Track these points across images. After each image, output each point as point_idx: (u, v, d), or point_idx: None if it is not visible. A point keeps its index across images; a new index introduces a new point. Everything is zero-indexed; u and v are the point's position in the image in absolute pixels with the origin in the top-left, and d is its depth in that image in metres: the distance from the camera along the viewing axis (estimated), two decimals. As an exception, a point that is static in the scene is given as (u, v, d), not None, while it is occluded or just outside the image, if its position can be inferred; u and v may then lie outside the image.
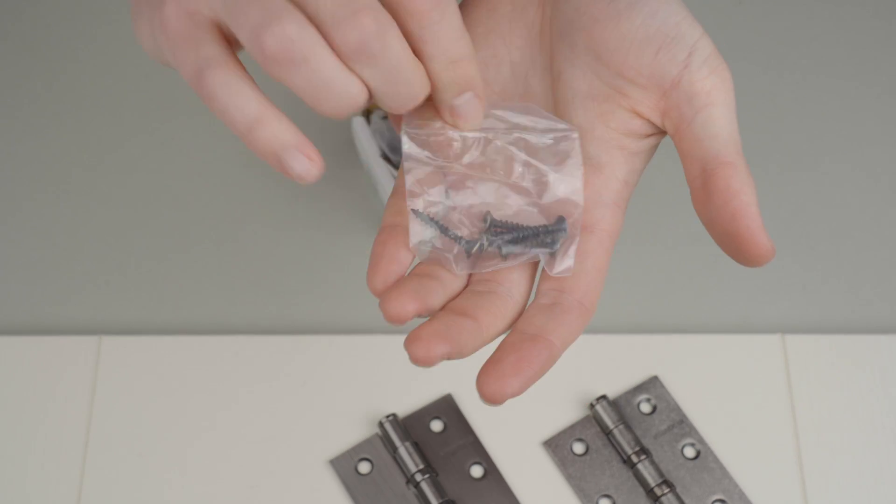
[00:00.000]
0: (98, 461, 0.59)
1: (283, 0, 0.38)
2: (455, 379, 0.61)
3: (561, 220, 0.42)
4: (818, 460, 0.59)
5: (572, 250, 0.42)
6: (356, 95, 0.39)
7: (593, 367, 0.62)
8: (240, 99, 0.39)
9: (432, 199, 0.42)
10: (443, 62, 0.40)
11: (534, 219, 0.42)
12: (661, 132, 0.44)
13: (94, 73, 0.72)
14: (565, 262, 0.42)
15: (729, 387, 0.61)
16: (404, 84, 0.39)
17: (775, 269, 0.66)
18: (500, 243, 0.42)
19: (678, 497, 0.57)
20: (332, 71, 0.38)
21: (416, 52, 0.39)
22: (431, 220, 0.42)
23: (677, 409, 0.61)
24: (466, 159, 0.42)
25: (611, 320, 0.64)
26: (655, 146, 0.45)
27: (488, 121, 0.43)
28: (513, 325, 0.42)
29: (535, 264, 0.43)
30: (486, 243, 0.42)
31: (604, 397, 0.59)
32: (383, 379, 0.61)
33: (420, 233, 0.42)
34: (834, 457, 0.59)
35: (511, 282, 0.43)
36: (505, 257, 0.42)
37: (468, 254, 0.42)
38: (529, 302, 0.43)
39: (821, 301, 0.65)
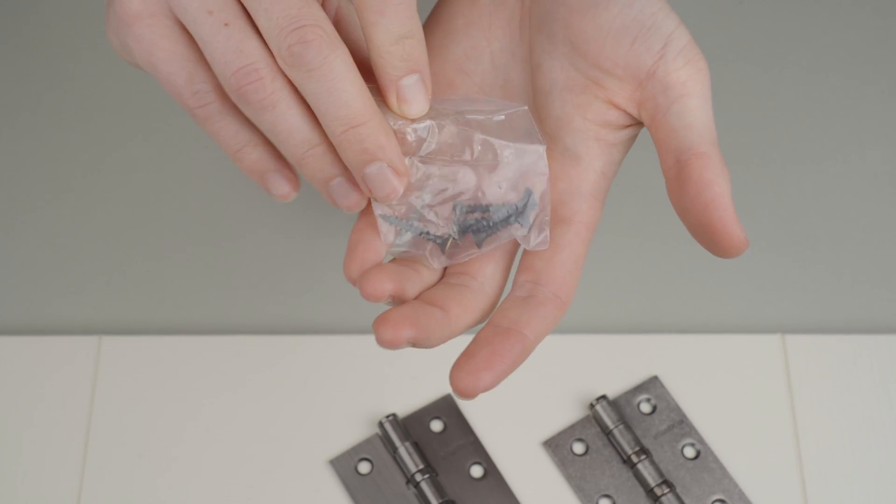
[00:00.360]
0: (98, 461, 0.59)
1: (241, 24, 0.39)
2: (455, 379, 0.61)
3: (527, 192, 0.42)
4: (818, 460, 0.59)
5: (546, 221, 0.42)
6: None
7: (593, 367, 0.62)
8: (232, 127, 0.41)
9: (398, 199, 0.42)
10: (394, 35, 0.39)
11: (502, 196, 0.42)
12: (639, 123, 0.44)
13: (95, 73, 0.72)
14: (541, 235, 0.42)
15: (729, 387, 0.61)
16: (343, 105, 0.39)
17: (775, 269, 0.66)
18: (470, 233, 0.42)
19: (678, 497, 0.57)
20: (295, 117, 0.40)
21: (369, 33, 0.39)
22: (400, 221, 0.42)
23: (677, 409, 0.61)
24: (423, 150, 0.42)
25: (611, 320, 0.64)
26: (633, 137, 0.45)
27: (434, 111, 0.42)
28: (485, 318, 0.42)
29: (511, 257, 0.43)
30: (456, 236, 0.42)
31: (604, 397, 0.59)
32: (383, 379, 0.61)
33: (391, 234, 0.42)
34: (834, 457, 0.59)
35: (485, 276, 0.43)
36: (480, 244, 0.42)
37: (441, 249, 0.42)
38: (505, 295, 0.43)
39: (821, 301, 0.65)
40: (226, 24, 0.39)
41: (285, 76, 0.40)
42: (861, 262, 0.66)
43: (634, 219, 0.67)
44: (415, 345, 0.40)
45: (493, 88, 0.45)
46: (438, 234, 0.42)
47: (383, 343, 0.40)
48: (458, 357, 0.41)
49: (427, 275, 0.43)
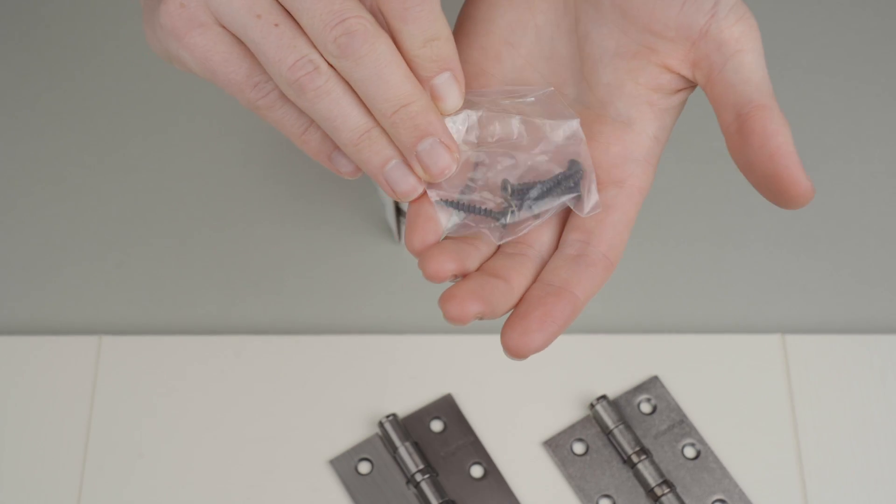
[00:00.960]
0: (98, 461, 0.59)
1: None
2: (455, 379, 0.61)
3: (573, 162, 0.43)
4: (818, 460, 0.59)
5: (594, 187, 0.43)
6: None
7: (593, 367, 0.62)
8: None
9: (451, 184, 0.43)
10: (420, 40, 0.41)
11: (547, 171, 0.43)
12: (691, 86, 0.44)
13: (95, 73, 0.72)
14: (592, 200, 0.43)
15: (729, 387, 0.61)
16: (392, 87, 0.41)
17: (775, 269, 0.66)
18: (528, 204, 0.43)
19: (678, 497, 0.57)
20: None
21: (396, 39, 0.41)
22: (456, 204, 0.43)
23: (677, 409, 0.61)
24: (466, 138, 0.43)
25: (611, 320, 0.64)
26: (684, 102, 0.45)
27: (468, 102, 0.44)
28: None
29: (562, 222, 0.44)
30: (514, 209, 0.43)
31: (604, 397, 0.59)
32: (383, 379, 0.61)
33: (448, 219, 0.43)
34: (834, 457, 0.59)
35: (542, 244, 0.44)
36: (537, 215, 0.43)
37: (502, 224, 0.43)
38: None
39: (821, 301, 0.65)
40: (275, 25, 0.41)
41: (334, 68, 0.41)
42: (861, 262, 0.66)
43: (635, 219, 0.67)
44: (482, 317, 0.41)
45: (539, 60, 0.46)
46: (495, 210, 0.43)
47: (451, 318, 0.41)
48: (509, 317, 0.41)
49: (485, 248, 0.43)
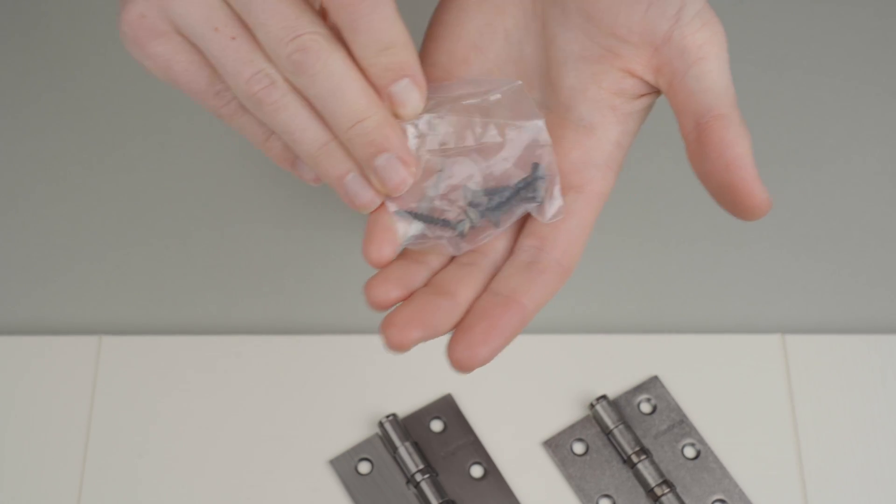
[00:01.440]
0: (98, 461, 0.59)
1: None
2: (455, 379, 0.61)
3: (535, 167, 0.42)
4: (818, 460, 0.59)
5: (557, 191, 0.42)
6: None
7: (593, 367, 0.62)
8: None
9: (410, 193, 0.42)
10: (374, 49, 0.40)
11: (511, 175, 0.42)
12: (655, 91, 0.44)
13: (95, 73, 0.72)
14: (555, 205, 0.42)
15: (729, 387, 0.61)
16: (346, 103, 0.40)
17: (775, 269, 0.66)
18: (487, 214, 0.42)
19: (678, 497, 0.57)
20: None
21: (351, 50, 0.40)
22: (415, 215, 0.42)
23: (677, 409, 0.61)
24: (427, 145, 0.42)
25: (611, 320, 0.64)
26: (649, 107, 0.45)
27: (432, 101, 0.43)
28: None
29: (519, 228, 0.43)
30: (473, 219, 0.42)
31: (604, 397, 0.59)
32: (383, 379, 0.61)
33: (407, 230, 0.42)
34: (834, 457, 0.59)
35: (496, 250, 0.43)
36: (497, 224, 0.42)
37: (460, 234, 0.42)
38: None
39: (821, 301, 0.65)
40: (233, 38, 0.41)
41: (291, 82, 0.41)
42: (861, 262, 0.66)
43: (634, 219, 0.67)
44: (424, 341, 0.41)
45: (508, 64, 0.46)
46: (454, 220, 0.42)
47: (392, 346, 0.41)
48: (455, 330, 0.41)
49: (436, 262, 0.43)
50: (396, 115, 0.42)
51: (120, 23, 0.42)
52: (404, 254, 0.43)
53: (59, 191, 0.68)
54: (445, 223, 0.42)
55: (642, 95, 0.44)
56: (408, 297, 0.42)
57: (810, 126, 0.70)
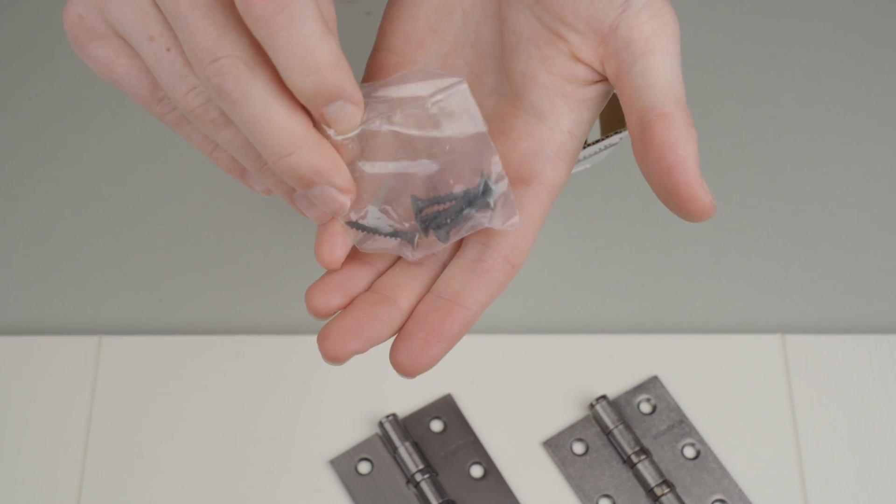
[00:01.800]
0: (98, 461, 0.59)
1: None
2: (455, 379, 0.61)
3: (482, 177, 0.40)
4: (818, 460, 0.59)
5: (511, 200, 0.40)
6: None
7: (593, 367, 0.62)
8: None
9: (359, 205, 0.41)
10: (298, 73, 0.37)
11: (455, 186, 0.41)
12: (607, 79, 0.42)
13: (94, 73, 0.72)
14: (509, 216, 0.40)
15: (729, 387, 0.61)
16: (269, 135, 0.37)
17: (775, 269, 0.66)
18: (432, 228, 0.41)
19: (678, 497, 0.57)
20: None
21: (274, 63, 0.37)
22: (363, 227, 0.41)
23: (677, 409, 0.61)
24: (368, 156, 0.40)
25: (611, 320, 0.64)
26: (604, 95, 0.43)
27: (371, 110, 0.40)
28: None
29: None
30: (421, 231, 0.41)
31: (604, 397, 0.59)
32: (383, 379, 0.61)
33: (356, 237, 0.41)
34: (834, 457, 0.59)
35: (446, 251, 0.42)
36: (444, 239, 0.41)
37: (411, 243, 0.41)
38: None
39: (821, 301, 0.65)
40: (167, 50, 0.38)
41: None
42: (861, 262, 0.66)
43: (634, 219, 0.67)
44: (361, 353, 0.40)
45: (465, 45, 0.44)
46: (403, 230, 0.41)
47: (329, 358, 0.40)
48: (397, 335, 0.40)
49: (382, 262, 0.42)
50: (332, 133, 0.39)
51: (63, 22, 0.41)
52: (351, 254, 0.42)
53: (59, 191, 0.68)
54: (395, 234, 0.41)
55: (595, 82, 0.42)
56: (348, 305, 0.41)
57: (810, 125, 0.70)
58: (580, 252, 0.66)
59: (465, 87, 0.40)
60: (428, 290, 0.41)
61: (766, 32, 0.74)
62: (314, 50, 0.36)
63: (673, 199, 0.39)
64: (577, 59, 0.42)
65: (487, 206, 0.40)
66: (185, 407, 0.61)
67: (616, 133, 0.53)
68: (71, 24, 0.40)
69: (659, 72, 0.40)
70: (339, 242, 0.41)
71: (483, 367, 0.62)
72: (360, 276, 0.42)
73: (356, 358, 0.62)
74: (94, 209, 0.68)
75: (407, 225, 0.41)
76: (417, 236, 0.41)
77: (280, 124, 0.37)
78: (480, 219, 0.40)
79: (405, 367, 0.40)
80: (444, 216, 0.40)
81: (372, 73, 0.44)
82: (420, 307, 0.40)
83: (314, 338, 0.62)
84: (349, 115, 0.38)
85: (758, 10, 0.75)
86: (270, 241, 0.67)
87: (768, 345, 0.62)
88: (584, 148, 0.52)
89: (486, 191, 0.40)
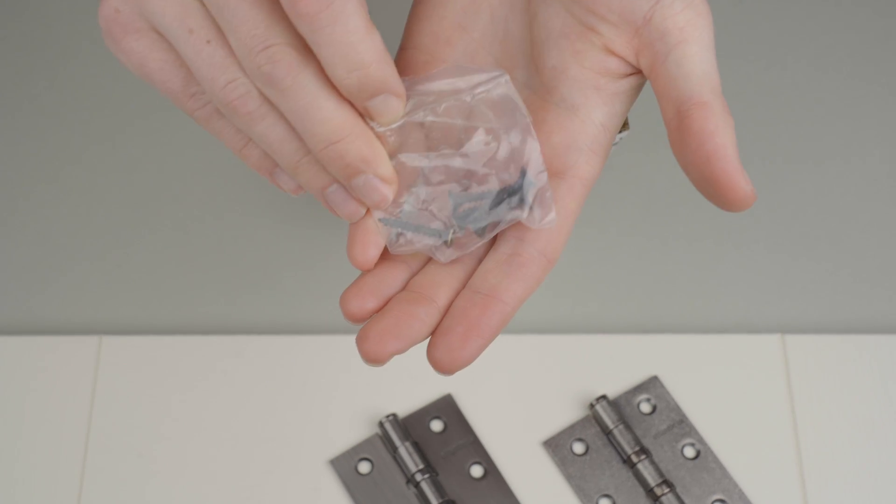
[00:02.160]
0: (98, 461, 0.59)
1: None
2: (455, 379, 0.61)
3: (523, 172, 0.40)
4: (818, 460, 0.59)
5: (549, 197, 0.40)
6: None
7: (593, 367, 0.62)
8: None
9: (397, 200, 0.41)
10: (343, 69, 0.38)
11: (496, 179, 0.41)
12: (640, 71, 0.42)
13: (94, 73, 0.72)
14: (546, 213, 0.40)
15: (729, 387, 0.61)
16: (318, 123, 0.38)
17: (775, 269, 0.66)
18: (470, 223, 0.41)
19: (678, 497, 0.57)
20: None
21: (319, 58, 0.38)
22: (400, 223, 0.41)
23: (677, 409, 0.61)
24: (408, 149, 0.41)
25: (611, 320, 0.64)
26: (638, 87, 0.43)
27: (413, 100, 0.41)
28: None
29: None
30: (457, 229, 0.41)
31: (604, 397, 0.59)
32: (383, 379, 0.61)
33: (391, 235, 0.41)
34: (834, 457, 0.59)
35: (481, 247, 0.42)
36: (482, 234, 0.41)
37: (446, 243, 0.41)
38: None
39: (821, 301, 0.65)
40: (207, 42, 0.39)
41: None
42: (861, 262, 0.66)
43: (634, 219, 0.67)
44: (400, 353, 0.40)
45: (493, 43, 0.44)
46: (439, 227, 0.41)
47: (369, 360, 0.40)
48: (434, 332, 0.40)
49: (415, 263, 0.42)
50: (375, 125, 0.40)
51: (99, 16, 0.41)
52: (383, 254, 0.42)
53: (59, 191, 0.68)
54: (431, 232, 0.41)
55: (628, 75, 0.42)
56: (384, 306, 0.40)
57: (811, 126, 0.70)
58: (580, 252, 0.66)
59: (506, 78, 0.40)
60: (464, 286, 0.41)
61: (766, 32, 0.74)
62: (358, 46, 0.37)
63: (712, 188, 0.39)
64: (611, 52, 0.41)
65: (523, 202, 0.40)
66: (185, 407, 0.61)
67: (616, 133, 0.53)
68: (107, 17, 0.40)
69: (695, 61, 0.40)
70: (373, 242, 0.41)
71: (483, 367, 0.62)
72: (394, 277, 0.41)
73: (356, 358, 0.62)
74: (94, 209, 0.68)
75: (444, 221, 0.41)
76: (452, 232, 0.41)
77: (330, 111, 0.38)
78: (518, 214, 0.40)
79: (444, 364, 0.39)
80: (482, 211, 0.40)
81: (400, 71, 0.44)
82: (457, 303, 0.40)
83: (314, 338, 0.63)
84: (392, 108, 0.39)
85: (758, 10, 0.75)
86: (271, 241, 0.67)
87: (768, 345, 0.62)
88: None
89: (527, 185, 0.40)
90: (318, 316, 0.64)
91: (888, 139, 0.70)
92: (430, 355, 0.40)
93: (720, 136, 0.39)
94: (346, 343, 0.62)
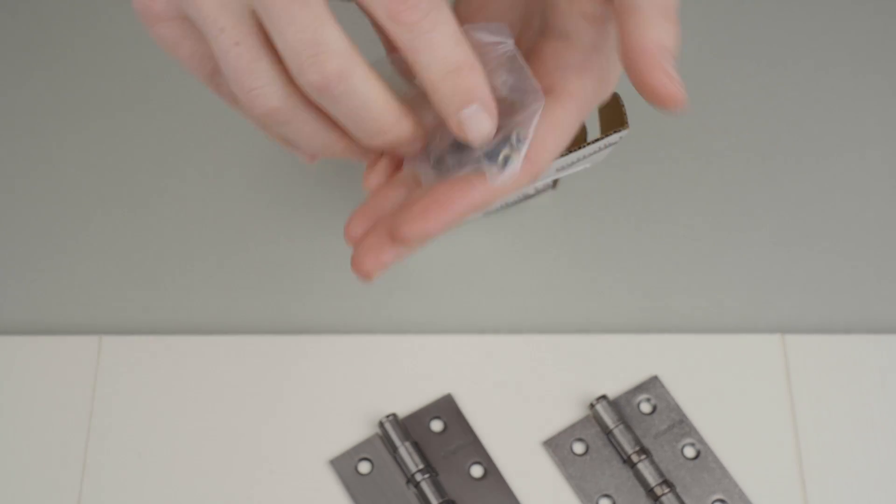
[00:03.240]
0: (98, 461, 0.59)
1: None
2: (455, 379, 0.61)
3: (507, 136, 0.41)
4: (818, 460, 0.59)
5: (520, 157, 0.41)
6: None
7: (593, 367, 0.62)
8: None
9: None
10: (440, 72, 0.39)
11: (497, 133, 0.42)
12: None
13: (95, 73, 0.72)
14: (506, 170, 0.41)
15: (729, 387, 0.61)
16: (371, 121, 0.40)
17: (775, 269, 0.66)
18: (435, 164, 0.43)
19: (678, 497, 0.57)
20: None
21: (413, 67, 0.39)
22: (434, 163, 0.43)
23: (677, 409, 0.61)
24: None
25: (611, 320, 0.64)
26: None
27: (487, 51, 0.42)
28: None
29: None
30: (430, 168, 0.43)
31: (604, 397, 0.59)
32: (383, 379, 0.61)
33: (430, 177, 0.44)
34: (834, 457, 0.59)
35: None
36: (435, 179, 0.43)
37: (434, 170, 0.43)
38: None
39: (821, 301, 0.65)
40: (236, 44, 0.39)
41: (299, 94, 0.40)
42: (861, 262, 0.66)
43: (634, 219, 0.67)
44: (390, 263, 0.43)
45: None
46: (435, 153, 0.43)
47: (360, 276, 0.43)
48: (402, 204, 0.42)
49: (415, 186, 0.45)
50: (465, 139, 0.41)
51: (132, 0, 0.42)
52: (393, 180, 0.45)
53: (58, 191, 0.68)
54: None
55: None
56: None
57: (811, 125, 0.70)
58: (580, 252, 0.66)
59: (511, 42, 0.42)
60: None
61: (766, 32, 0.74)
62: (455, 49, 0.39)
63: (638, 86, 0.40)
64: None
65: (492, 159, 0.41)
66: (185, 407, 0.61)
67: (616, 132, 0.54)
68: (140, 1, 0.41)
69: None
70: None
71: (483, 367, 0.62)
72: (393, 200, 0.45)
73: (356, 358, 0.62)
74: (95, 209, 0.68)
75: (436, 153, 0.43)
76: (433, 162, 0.43)
77: (385, 100, 0.40)
78: (484, 169, 0.41)
79: (409, 233, 0.41)
80: (452, 158, 0.42)
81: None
82: (437, 187, 0.42)
83: (314, 338, 0.63)
84: (484, 123, 0.40)
85: (758, 10, 0.75)
86: (271, 241, 0.67)
87: (768, 345, 0.62)
88: (584, 147, 0.53)
89: (501, 144, 0.41)
90: (318, 316, 0.64)
91: (889, 139, 0.70)
92: (394, 226, 0.42)
93: (647, 34, 0.40)
94: (347, 343, 0.62)
